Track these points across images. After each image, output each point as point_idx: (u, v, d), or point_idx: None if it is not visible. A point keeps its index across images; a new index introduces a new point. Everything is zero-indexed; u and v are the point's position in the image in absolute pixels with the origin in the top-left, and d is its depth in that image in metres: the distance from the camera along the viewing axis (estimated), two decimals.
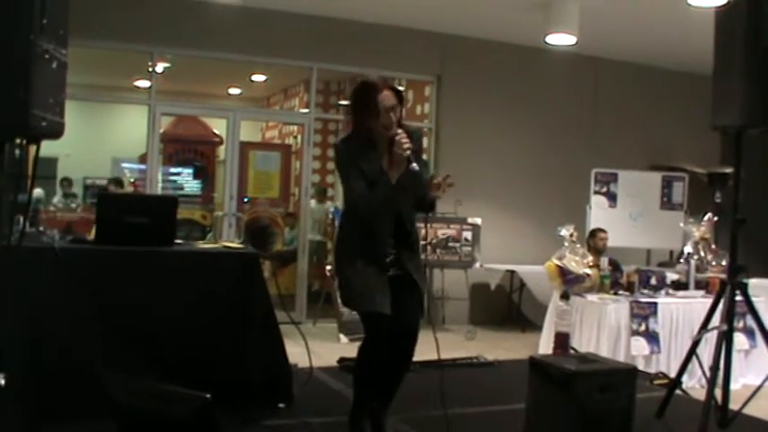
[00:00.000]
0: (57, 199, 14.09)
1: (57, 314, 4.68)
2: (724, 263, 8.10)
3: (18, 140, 2.76)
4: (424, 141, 11.18)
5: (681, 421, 5.30)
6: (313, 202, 12.75)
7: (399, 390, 4.97)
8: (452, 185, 4.50)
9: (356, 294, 4.55)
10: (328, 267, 9.87)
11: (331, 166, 14.57)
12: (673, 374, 6.38)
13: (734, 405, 5.08)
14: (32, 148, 2.90)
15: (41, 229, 5.67)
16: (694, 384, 7.10)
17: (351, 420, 4.73)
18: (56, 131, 2.71)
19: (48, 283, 4.69)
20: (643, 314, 7.68)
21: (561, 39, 9.63)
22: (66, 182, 13.58)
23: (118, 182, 12.52)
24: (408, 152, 4.33)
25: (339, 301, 9.05)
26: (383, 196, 4.39)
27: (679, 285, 8.49)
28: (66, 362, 4.68)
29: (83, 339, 4.76)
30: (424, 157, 4.69)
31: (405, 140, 4.33)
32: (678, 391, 5.76)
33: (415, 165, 4.37)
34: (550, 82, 11.50)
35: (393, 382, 4.80)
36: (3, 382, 2.71)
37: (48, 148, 3.25)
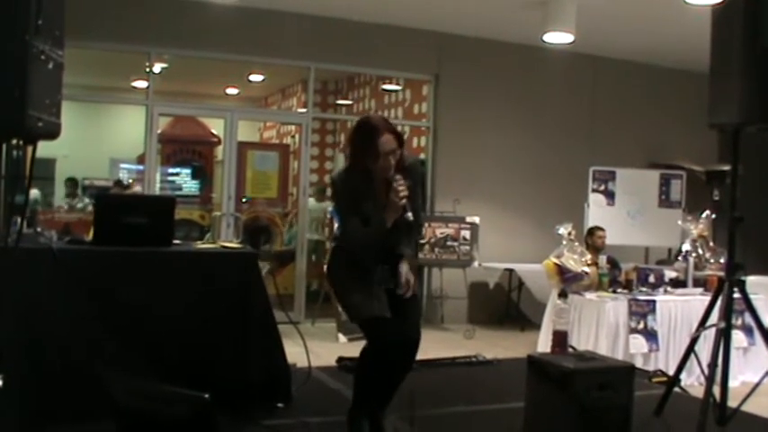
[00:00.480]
0: (59, 200, 14.06)
1: (55, 315, 4.68)
2: (722, 260, 8.11)
3: (15, 141, 2.76)
4: (422, 141, 11.22)
5: (679, 419, 5.30)
6: (312, 201, 12.75)
7: (398, 388, 4.98)
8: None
9: (353, 305, 4.57)
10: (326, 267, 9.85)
11: (329, 165, 14.58)
12: (671, 372, 6.37)
13: (732, 402, 5.08)
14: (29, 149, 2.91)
15: (39, 230, 5.67)
16: (693, 382, 7.10)
17: (349, 420, 4.73)
18: (52, 132, 2.71)
19: (46, 284, 4.69)
20: (641, 312, 7.69)
21: (559, 37, 9.63)
22: (71, 182, 13.54)
23: (120, 183, 12.54)
24: (404, 201, 4.32)
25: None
26: (375, 238, 4.41)
27: (677, 283, 8.50)
28: (64, 362, 4.68)
29: (81, 340, 4.76)
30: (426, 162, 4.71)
31: (401, 188, 4.32)
32: (677, 389, 5.77)
33: (409, 214, 4.37)
34: (548, 80, 11.50)
35: (393, 385, 4.77)
36: (1, 383, 2.71)
37: (46, 148, 3.25)
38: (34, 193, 11.30)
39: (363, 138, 4.39)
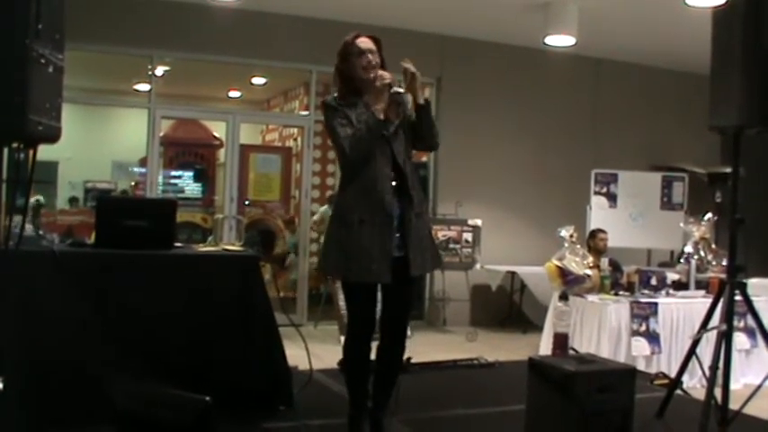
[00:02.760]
0: (62, 203, 14.12)
1: (56, 318, 4.69)
2: (724, 263, 8.09)
3: (15, 145, 2.76)
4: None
5: (681, 421, 5.30)
6: (326, 207, 12.81)
7: (398, 390, 4.99)
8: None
9: (345, 259, 4.45)
10: None
11: (332, 168, 14.56)
12: (673, 374, 6.37)
13: (734, 405, 5.07)
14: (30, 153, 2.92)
15: (41, 232, 5.67)
16: (695, 384, 7.10)
17: (349, 422, 4.74)
18: (52, 136, 2.72)
19: (47, 287, 4.70)
20: (643, 314, 7.68)
21: (560, 40, 9.64)
22: (70, 185, 13.58)
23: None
24: (388, 80, 4.37)
25: (340, 303, 9.08)
26: (368, 129, 4.36)
27: (679, 285, 8.49)
28: (65, 365, 4.69)
29: (82, 343, 4.76)
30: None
31: (385, 74, 4.39)
32: (678, 391, 5.77)
33: (397, 88, 4.41)
34: (550, 83, 11.51)
35: (387, 379, 4.79)
36: (2, 386, 2.71)
37: (49, 151, 3.25)
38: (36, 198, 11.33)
39: (343, 49, 4.57)
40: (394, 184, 4.48)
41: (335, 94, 4.58)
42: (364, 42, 4.56)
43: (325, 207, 12.94)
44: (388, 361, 4.78)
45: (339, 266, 4.54)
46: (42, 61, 2.62)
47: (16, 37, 2.47)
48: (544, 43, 9.78)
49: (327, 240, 4.68)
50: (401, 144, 4.58)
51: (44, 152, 2.95)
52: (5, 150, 2.87)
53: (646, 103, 12.10)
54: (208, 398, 3.46)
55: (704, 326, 5.37)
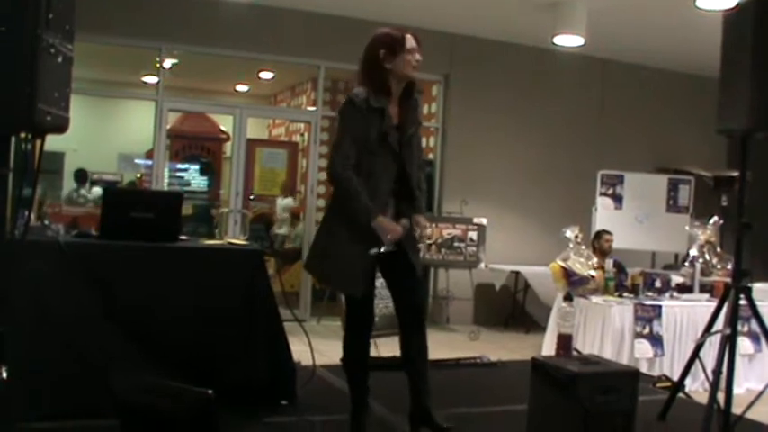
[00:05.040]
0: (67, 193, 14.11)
1: (60, 308, 4.69)
2: (729, 266, 8.09)
3: (23, 135, 2.76)
4: (431, 141, 11.21)
5: (683, 425, 5.30)
6: (280, 199, 12.96)
7: (400, 389, 4.98)
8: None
9: (327, 266, 4.56)
10: None
11: None
12: (676, 378, 6.37)
13: (736, 409, 5.06)
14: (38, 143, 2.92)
15: (47, 223, 5.68)
16: (697, 388, 7.09)
17: (351, 419, 4.75)
18: (61, 126, 2.72)
19: (52, 277, 4.70)
20: (647, 317, 7.67)
21: (569, 40, 9.62)
22: (81, 173, 13.52)
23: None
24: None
25: (343, 299, 9.07)
26: (357, 207, 4.41)
27: (683, 288, 8.48)
28: (69, 356, 4.69)
29: (86, 334, 4.77)
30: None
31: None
32: (681, 395, 5.76)
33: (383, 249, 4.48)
34: (558, 83, 11.49)
35: (415, 373, 4.79)
36: (5, 374, 2.72)
37: (55, 142, 3.25)
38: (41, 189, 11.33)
39: (391, 47, 4.52)
40: (393, 197, 4.58)
41: (365, 95, 4.51)
42: (411, 40, 4.56)
43: (289, 199, 13.03)
44: (412, 352, 4.81)
45: (321, 271, 4.70)
46: (52, 51, 2.62)
47: (27, 26, 2.47)
48: (553, 43, 9.76)
49: (316, 240, 4.77)
50: (414, 152, 4.67)
51: (50, 143, 2.95)
52: (13, 140, 2.86)
53: (653, 104, 12.08)
54: (210, 391, 3.45)
55: (708, 329, 5.36)
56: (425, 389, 4.73)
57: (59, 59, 2.69)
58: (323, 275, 4.80)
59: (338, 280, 4.60)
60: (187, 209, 13.24)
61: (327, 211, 4.73)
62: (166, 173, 11.83)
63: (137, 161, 15.87)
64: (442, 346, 8.56)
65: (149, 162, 11.86)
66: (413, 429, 4.76)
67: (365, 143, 4.42)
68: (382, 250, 4.45)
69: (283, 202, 13.37)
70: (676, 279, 8.62)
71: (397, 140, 4.55)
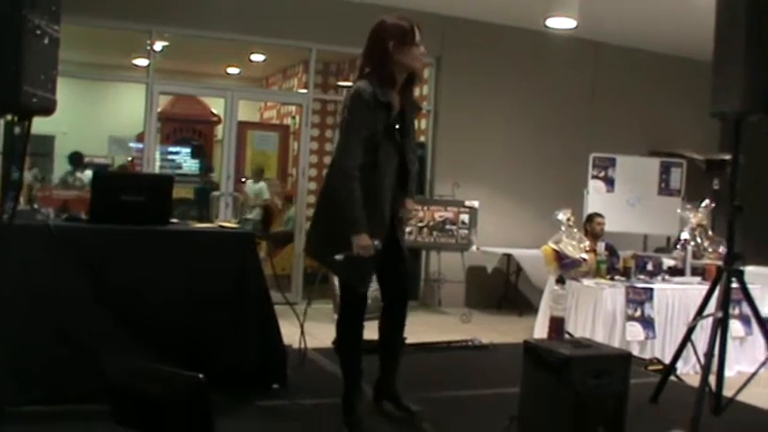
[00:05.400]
0: (58, 176, 14.07)
1: (50, 292, 4.67)
2: (721, 250, 8.10)
3: (9, 117, 2.73)
4: (423, 123, 11.17)
5: (675, 407, 5.30)
6: (250, 183, 12.91)
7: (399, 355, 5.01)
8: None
9: (332, 251, 4.51)
10: None
11: (329, 147, 14.53)
12: (667, 360, 6.38)
13: (728, 392, 5.09)
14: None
15: (36, 206, 5.65)
16: (689, 371, 7.11)
17: (343, 402, 4.74)
18: (47, 108, 2.68)
19: (42, 261, 4.68)
20: (639, 299, 7.68)
21: (562, 22, 9.61)
22: (76, 156, 13.47)
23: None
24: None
25: (335, 283, 9.07)
26: (347, 216, 4.40)
27: (675, 271, 8.49)
28: (59, 340, 4.67)
29: (76, 318, 4.75)
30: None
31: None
32: (672, 378, 5.77)
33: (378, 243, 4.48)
34: (550, 66, 11.47)
35: (390, 352, 4.98)
36: None
37: (45, 125, 3.22)
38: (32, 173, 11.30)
39: (401, 38, 4.53)
40: (392, 189, 4.61)
41: (372, 88, 4.47)
42: (418, 33, 4.59)
43: (262, 185, 12.98)
44: (391, 337, 4.96)
45: (326, 254, 4.62)
46: (38, 32, 2.59)
47: (12, 6, 2.44)
48: (545, 26, 9.74)
49: (317, 224, 4.79)
50: (411, 139, 4.77)
51: (40, 126, 2.92)
52: (1, 123, 2.83)
53: (645, 87, 12.07)
54: (201, 375, 3.44)
55: (700, 313, 5.36)
56: (397, 372, 4.97)
57: (45, 41, 2.66)
58: (333, 265, 4.71)
59: (347, 272, 4.57)
60: (188, 192, 13.25)
61: (327, 198, 4.69)
62: (158, 156, 11.80)
63: (128, 144, 15.82)
64: (433, 328, 8.58)
65: (140, 145, 11.83)
66: (376, 401, 4.96)
67: (372, 137, 4.42)
68: (342, 259, 4.44)
69: (255, 187, 13.17)
70: (668, 262, 8.64)
71: (399, 133, 4.60)
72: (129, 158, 15.03)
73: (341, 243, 4.42)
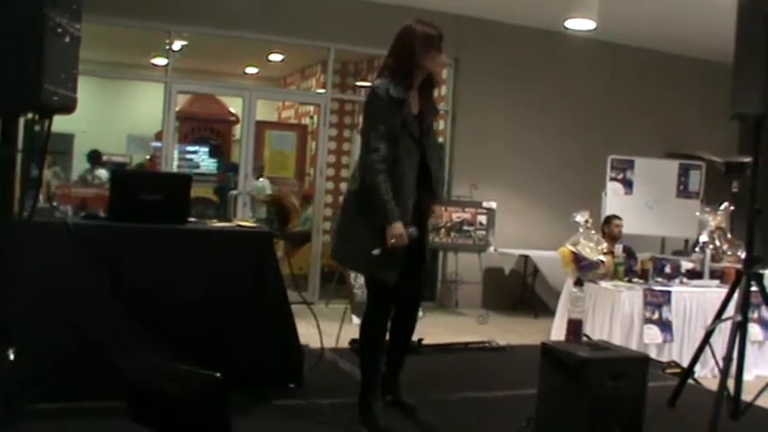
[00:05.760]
0: (77, 174, 14.12)
1: (68, 290, 4.68)
2: (739, 253, 8.06)
3: (30, 115, 2.73)
4: (440, 124, 11.16)
5: (692, 411, 5.27)
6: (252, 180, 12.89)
7: (410, 372, 5.03)
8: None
9: (360, 252, 4.62)
10: None
11: (347, 146, 14.55)
12: (685, 363, 6.35)
13: (746, 396, 5.06)
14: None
15: (55, 204, 5.67)
16: (706, 374, 7.07)
17: (360, 401, 4.75)
18: (68, 106, 2.69)
19: (60, 259, 4.69)
20: (656, 302, 7.65)
21: (581, 24, 9.58)
22: (95, 154, 13.51)
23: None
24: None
25: (352, 283, 9.07)
26: (380, 202, 4.50)
27: (693, 274, 8.45)
28: (76, 338, 4.68)
29: (94, 316, 4.76)
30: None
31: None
32: (690, 381, 5.74)
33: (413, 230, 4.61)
34: (569, 67, 11.43)
35: (401, 349, 5.11)
36: (12, 356, 2.70)
37: (64, 123, 3.23)
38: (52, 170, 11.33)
39: (426, 43, 4.63)
40: (416, 186, 4.70)
41: (390, 84, 4.62)
42: (442, 41, 4.71)
43: (264, 181, 12.92)
44: (402, 335, 5.08)
45: (353, 257, 4.80)
46: (59, 30, 2.59)
47: (34, 5, 2.44)
48: (564, 27, 9.71)
49: (344, 227, 4.86)
50: (432, 140, 4.91)
51: (60, 124, 2.93)
52: (21, 121, 2.84)
53: (664, 90, 12.02)
54: (218, 374, 3.44)
55: (719, 316, 5.34)
56: (402, 368, 5.13)
57: (66, 39, 2.66)
58: (357, 263, 4.90)
59: (378, 267, 4.62)
60: (206, 191, 13.27)
61: (353, 197, 4.76)
62: (176, 155, 11.82)
63: (147, 143, 15.86)
64: (450, 329, 8.58)
65: (159, 144, 11.85)
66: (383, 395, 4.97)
67: (391, 133, 4.55)
68: (379, 253, 4.52)
69: (258, 184, 13.06)
70: (686, 265, 8.59)
71: (417, 129, 4.71)
72: (148, 157, 15.06)
73: (368, 240, 4.52)
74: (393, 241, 4.45)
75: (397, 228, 4.44)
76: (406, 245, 4.55)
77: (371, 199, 4.54)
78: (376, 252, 4.49)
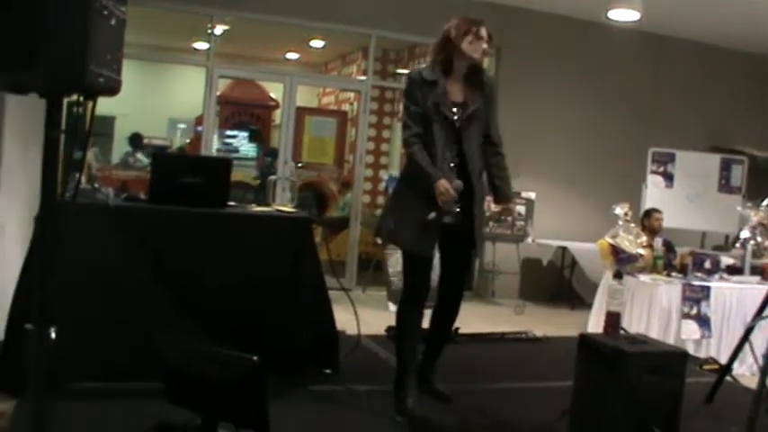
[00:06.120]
0: (118, 157, 14.24)
1: (109, 271, 4.72)
2: None
3: (75, 97, 2.75)
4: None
5: (730, 408, 5.24)
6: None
7: (445, 361, 5.03)
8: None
9: (405, 232, 4.79)
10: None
11: (387, 134, 14.55)
12: (723, 360, 6.29)
13: None
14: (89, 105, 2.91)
15: (96, 186, 5.71)
16: (744, 372, 6.98)
17: (396, 388, 4.77)
18: (113, 88, 2.69)
19: (101, 240, 4.73)
20: (695, 297, 7.58)
21: (624, 14, 9.48)
22: (136, 137, 13.61)
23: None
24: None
25: (389, 270, 9.08)
26: (421, 175, 4.68)
27: (733, 270, 8.36)
28: (116, 319, 4.73)
29: (133, 297, 4.80)
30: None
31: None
32: (728, 378, 5.69)
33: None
34: (611, 58, 11.33)
35: (441, 337, 5.20)
36: (54, 335, 2.73)
37: (106, 106, 3.25)
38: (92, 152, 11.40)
39: (467, 31, 4.81)
40: (452, 165, 4.80)
41: (425, 68, 4.89)
42: (484, 31, 4.86)
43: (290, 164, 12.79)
44: (442, 324, 5.18)
45: (394, 234, 4.91)
46: (105, 13, 2.60)
47: None
48: (607, 17, 9.63)
49: (390, 205, 5.13)
50: (475, 131, 4.95)
51: (101, 107, 2.94)
52: (65, 102, 2.86)
53: (709, 83, 11.88)
54: (256, 357, 3.46)
55: (759, 313, 5.28)
56: (438, 358, 5.21)
57: (112, 21, 2.67)
58: (396, 236, 4.97)
59: (416, 240, 4.75)
60: (246, 176, 13.31)
61: (399, 179, 5.02)
62: (216, 139, 11.87)
63: (186, 126, 15.94)
64: (486, 319, 8.56)
65: (199, 128, 11.91)
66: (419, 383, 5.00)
67: (424, 113, 4.74)
68: (435, 217, 4.65)
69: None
70: (726, 260, 8.50)
71: (457, 115, 4.83)
72: (188, 141, 15.15)
73: (418, 209, 4.68)
74: (442, 198, 4.54)
75: (442, 184, 4.55)
76: (456, 221, 4.76)
77: (414, 171, 4.72)
78: (431, 216, 4.63)
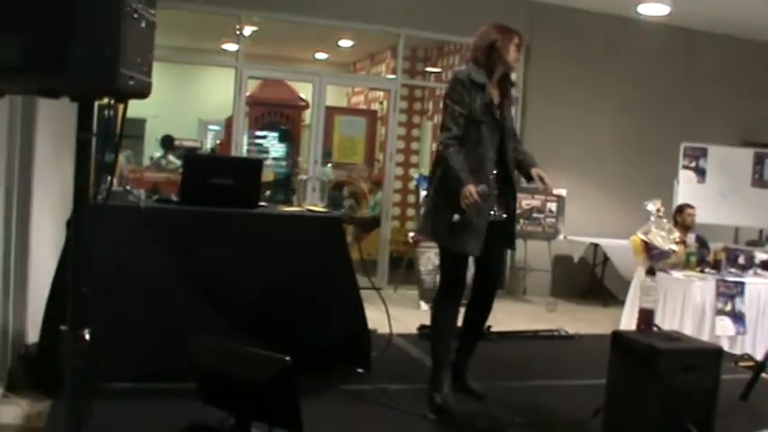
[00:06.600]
0: (149, 159, 14.31)
1: (141, 272, 4.75)
2: None
3: (106, 100, 2.77)
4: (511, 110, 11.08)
5: (766, 406, 5.19)
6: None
7: (478, 359, 5.02)
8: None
9: (448, 230, 4.79)
10: (411, 234, 9.87)
11: (416, 132, 14.55)
12: (759, 356, 6.24)
13: None
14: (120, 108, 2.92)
15: (128, 188, 5.75)
16: None
17: (430, 385, 4.78)
18: (143, 91, 2.71)
19: (133, 242, 4.76)
20: (729, 293, 7.52)
21: (654, 9, 9.43)
22: (168, 139, 13.67)
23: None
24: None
25: (421, 269, 9.08)
26: (454, 171, 4.69)
27: None
28: (149, 320, 4.76)
29: (165, 297, 4.83)
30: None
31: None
32: (764, 375, 5.64)
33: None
34: (641, 53, 11.26)
35: (474, 335, 5.26)
36: (89, 336, 2.76)
37: (136, 108, 3.26)
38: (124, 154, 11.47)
39: (509, 38, 4.96)
40: (497, 165, 4.92)
41: (471, 70, 4.91)
42: (520, 39, 5.03)
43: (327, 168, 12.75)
44: (475, 322, 5.23)
45: (439, 232, 4.89)
46: (135, 16, 2.61)
47: None
48: (637, 12, 9.57)
49: (428, 204, 5.10)
50: (510, 132, 5.08)
51: (132, 109, 2.96)
52: (96, 106, 2.88)
53: (739, 77, 11.77)
54: (288, 357, 3.47)
55: None
56: (471, 355, 5.24)
57: (142, 24, 2.68)
58: (437, 235, 4.96)
59: (456, 237, 4.77)
60: (277, 176, 13.34)
61: (439, 178, 4.93)
62: (245, 140, 11.90)
63: (216, 127, 15.99)
64: (518, 317, 8.53)
65: (220, 128, 11.93)
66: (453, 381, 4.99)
67: (471, 114, 4.79)
68: (459, 219, 4.69)
69: (327, 170, 12.90)
70: (761, 256, 8.42)
71: (500, 116, 4.95)
72: (218, 142, 15.19)
73: (447, 209, 4.72)
74: (465, 201, 4.54)
75: (468, 188, 4.56)
76: (487, 217, 4.78)
77: (448, 172, 4.73)
78: (456, 218, 4.67)
